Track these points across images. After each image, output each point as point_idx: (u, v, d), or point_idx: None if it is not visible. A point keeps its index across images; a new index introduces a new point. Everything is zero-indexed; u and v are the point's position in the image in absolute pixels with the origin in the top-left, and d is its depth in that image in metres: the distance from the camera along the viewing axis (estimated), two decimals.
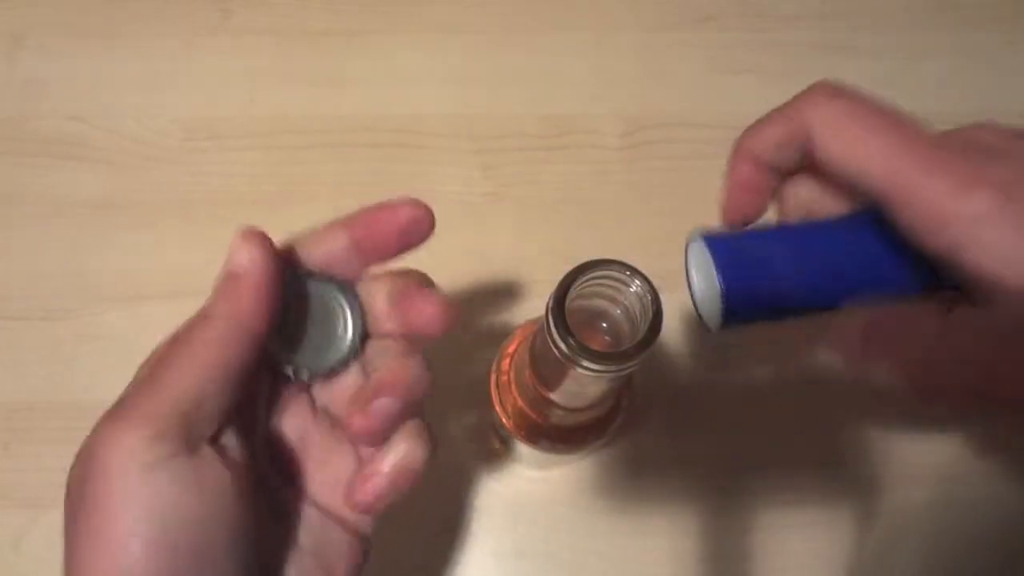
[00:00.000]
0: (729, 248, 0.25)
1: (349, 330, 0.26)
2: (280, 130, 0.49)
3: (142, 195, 0.47)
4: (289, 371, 0.26)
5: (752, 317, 0.25)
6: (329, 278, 0.26)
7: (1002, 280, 0.20)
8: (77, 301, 0.45)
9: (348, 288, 0.26)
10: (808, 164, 0.25)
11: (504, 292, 0.46)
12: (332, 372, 0.26)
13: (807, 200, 0.26)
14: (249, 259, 0.24)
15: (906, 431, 0.43)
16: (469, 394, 0.44)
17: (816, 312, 0.25)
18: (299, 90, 0.50)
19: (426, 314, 0.27)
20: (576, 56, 0.52)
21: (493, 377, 0.35)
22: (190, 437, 0.22)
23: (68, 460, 0.42)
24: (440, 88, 0.50)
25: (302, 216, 0.48)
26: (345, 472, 0.26)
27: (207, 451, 0.23)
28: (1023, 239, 0.20)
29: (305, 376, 0.26)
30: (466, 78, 0.51)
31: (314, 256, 0.27)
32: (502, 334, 0.37)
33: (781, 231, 0.26)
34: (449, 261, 0.47)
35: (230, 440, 0.24)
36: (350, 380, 0.27)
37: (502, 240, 0.47)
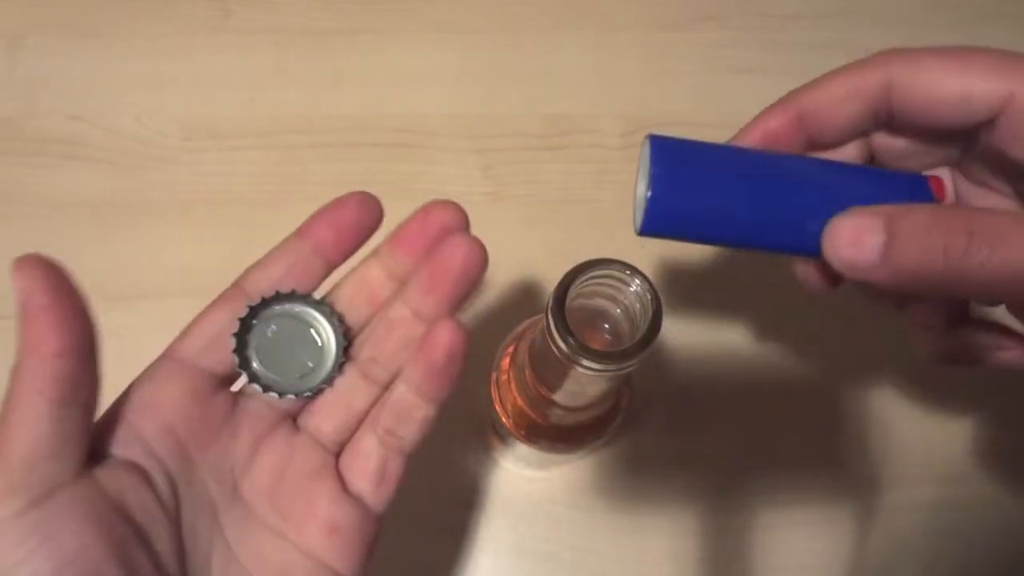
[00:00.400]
0: (676, 157, 0.23)
1: (331, 345, 0.26)
2: (280, 130, 0.49)
3: (142, 195, 0.47)
4: (272, 395, 0.25)
5: (676, 234, 0.24)
6: (301, 296, 0.26)
7: None
8: None
9: (321, 303, 0.26)
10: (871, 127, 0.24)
11: (504, 292, 0.46)
12: (318, 391, 0.26)
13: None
14: (25, 287, 0.22)
15: (906, 431, 0.43)
16: (469, 394, 0.44)
17: (743, 248, 0.24)
18: (299, 90, 0.50)
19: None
20: (576, 56, 0.52)
21: (493, 376, 0.35)
22: (39, 485, 0.20)
23: None
24: (440, 88, 0.50)
25: (302, 216, 0.48)
26: (320, 508, 0.25)
27: (63, 497, 0.20)
28: None
29: (290, 399, 0.25)
30: (466, 78, 0.51)
31: (277, 273, 0.26)
32: (502, 334, 0.37)
33: (743, 155, 0.24)
34: None
35: (115, 471, 0.22)
36: (331, 399, 0.26)
37: (502, 240, 0.47)
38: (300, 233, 0.26)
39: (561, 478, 0.42)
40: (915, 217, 0.20)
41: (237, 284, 0.27)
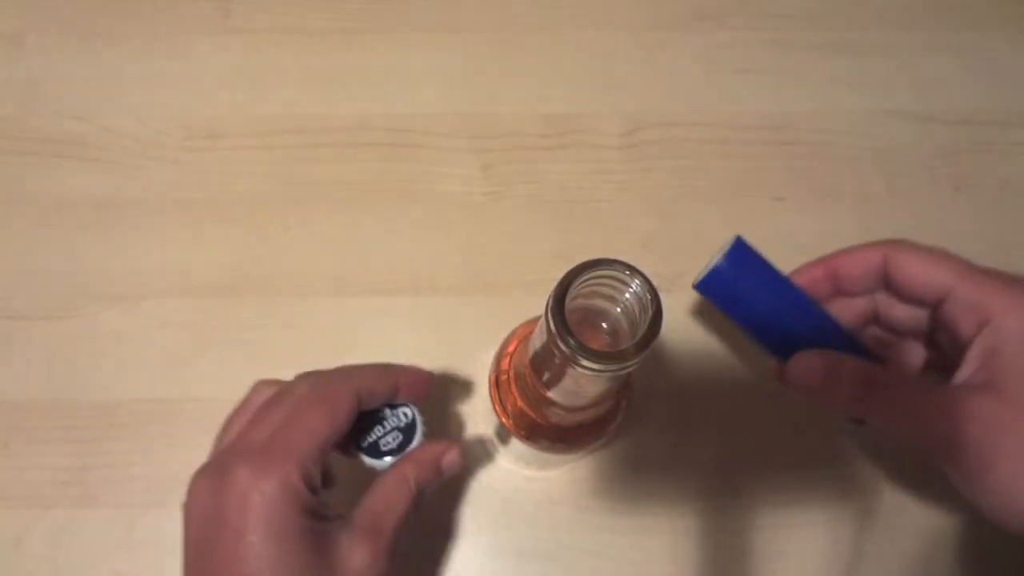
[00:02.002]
0: (744, 256, 0.33)
1: (412, 438, 0.34)
2: (280, 130, 0.49)
3: (142, 195, 0.47)
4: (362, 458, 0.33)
5: (716, 298, 0.34)
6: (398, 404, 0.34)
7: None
8: (77, 301, 0.45)
9: (410, 407, 0.34)
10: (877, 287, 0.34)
11: (504, 292, 0.46)
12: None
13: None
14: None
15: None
16: (469, 394, 0.44)
17: (755, 338, 0.34)
18: (299, 90, 0.50)
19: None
20: (576, 56, 0.52)
21: (493, 377, 0.35)
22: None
23: (68, 459, 0.43)
24: (440, 88, 0.50)
25: (301, 215, 0.49)
26: None
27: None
28: None
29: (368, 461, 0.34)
30: (466, 78, 0.51)
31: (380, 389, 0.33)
32: (502, 334, 0.37)
33: (781, 284, 0.34)
34: (449, 261, 0.47)
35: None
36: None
37: (502, 240, 0.47)
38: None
39: (561, 478, 0.42)
40: (843, 364, 0.32)
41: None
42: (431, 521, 0.42)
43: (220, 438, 0.33)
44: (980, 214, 0.49)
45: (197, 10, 0.52)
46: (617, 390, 0.33)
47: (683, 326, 0.44)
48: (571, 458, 0.41)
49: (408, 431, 0.34)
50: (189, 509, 0.30)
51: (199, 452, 0.42)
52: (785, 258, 0.47)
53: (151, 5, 0.52)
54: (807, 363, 0.32)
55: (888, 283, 0.33)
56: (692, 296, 0.46)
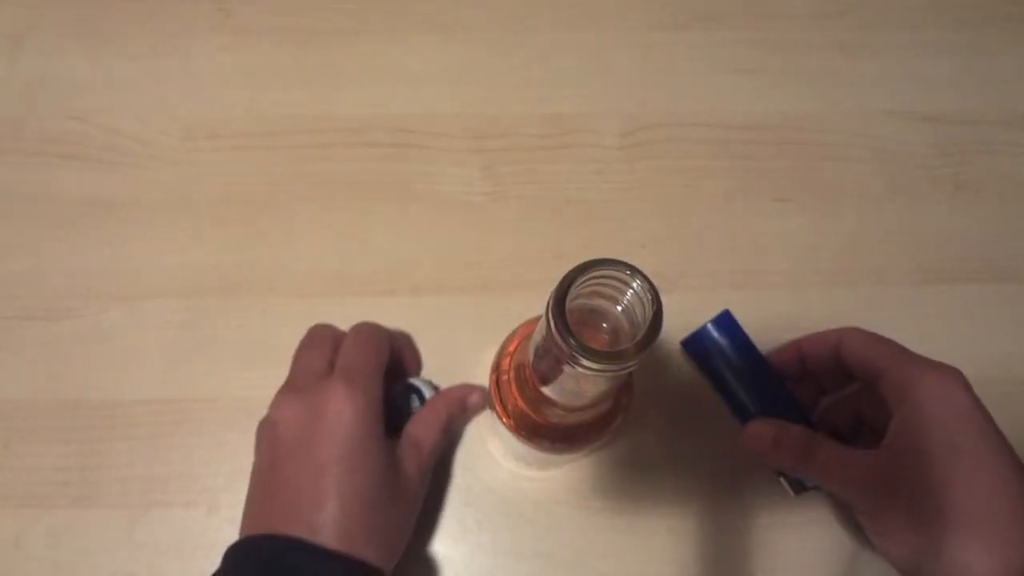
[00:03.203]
0: (728, 326, 0.43)
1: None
2: (280, 130, 0.49)
3: (142, 195, 0.47)
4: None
5: (698, 355, 0.43)
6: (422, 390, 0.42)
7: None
8: (77, 301, 0.45)
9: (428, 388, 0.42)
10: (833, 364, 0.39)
11: (504, 292, 0.46)
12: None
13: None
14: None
15: None
16: None
17: (724, 397, 0.42)
18: (299, 90, 0.50)
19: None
20: (576, 56, 0.52)
21: (493, 376, 0.35)
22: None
23: (68, 459, 0.43)
24: (440, 88, 0.50)
25: (301, 215, 0.49)
26: None
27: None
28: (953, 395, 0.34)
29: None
30: (466, 78, 0.51)
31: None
32: (502, 334, 0.37)
33: (753, 355, 0.42)
34: (449, 261, 0.47)
35: None
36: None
37: (502, 240, 0.47)
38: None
39: (561, 478, 0.42)
40: (787, 433, 0.38)
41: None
42: (431, 521, 0.42)
43: (293, 369, 0.39)
44: (980, 214, 0.49)
45: (197, 10, 0.52)
46: (618, 390, 0.33)
47: (683, 326, 0.44)
48: (571, 458, 0.41)
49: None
50: (279, 420, 0.35)
51: (199, 452, 0.43)
52: (785, 258, 0.47)
53: (151, 5, 0.52)
54: (759, 430, 0.39)
55: (839, 361, 0.38)
56: (692, 297, 0.46)
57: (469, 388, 0.41)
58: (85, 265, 0.45)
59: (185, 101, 0.49)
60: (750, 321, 0.43)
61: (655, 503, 0.42)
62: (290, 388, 0.37)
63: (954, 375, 0.34)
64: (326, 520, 0.33)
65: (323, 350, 0.39)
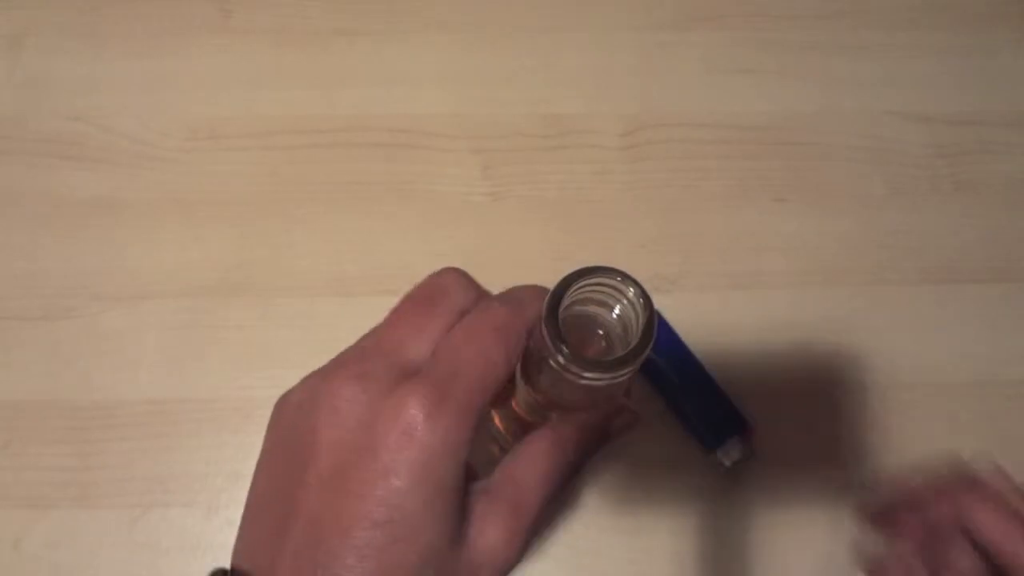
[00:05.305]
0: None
1: None
2: (280, 130, 0.49)
3: (142, 195, 0.47)
4: None
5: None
6: None
7: None
8: (77, 301, 0.45)
9: None
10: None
11: None
12: None
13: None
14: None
15: (906, 431, 0.43)
16: None
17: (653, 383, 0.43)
18: (299, 90, 0.50)
19: None
20: (576, 56, 0.52)
21: None
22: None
23: (68, 459, 0.43)
24: (440, 88, 0.50)
25: (301, 216, 0.49)
26: None
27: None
28: None
29: None
30: (466, 78, 0.51)
31: None
32: None
33: (679, 352, 0.43)
34: (449, 261, 0.47)
35: None
36: None
37: (502, 240, 0.47)
38: None
39: None
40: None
41: None
42: None
43: (379, 335, 0.27)
44: (980, 214, 0.49)
45: (197, 10, 0.52)
46: (618, 394, 0.33)
47: (683, 327, 0.44)
48: None
49: None
50: (322, 411, 0.24)
51: (199, 452, 0.43)
52: (785, 258, 0.47)
53: (151, 5, 0.52)
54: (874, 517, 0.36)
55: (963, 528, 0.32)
56: (691, 297, 0.46)
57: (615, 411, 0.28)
58: (85, 265, 0.45)
59: (185, 101, 0.49)
60: (750, 321, 0.43)
61: (655, 502, 0.42)
62: (356, 364, 0.25)
63: None
64: None
65: (435, 322, 0.26)
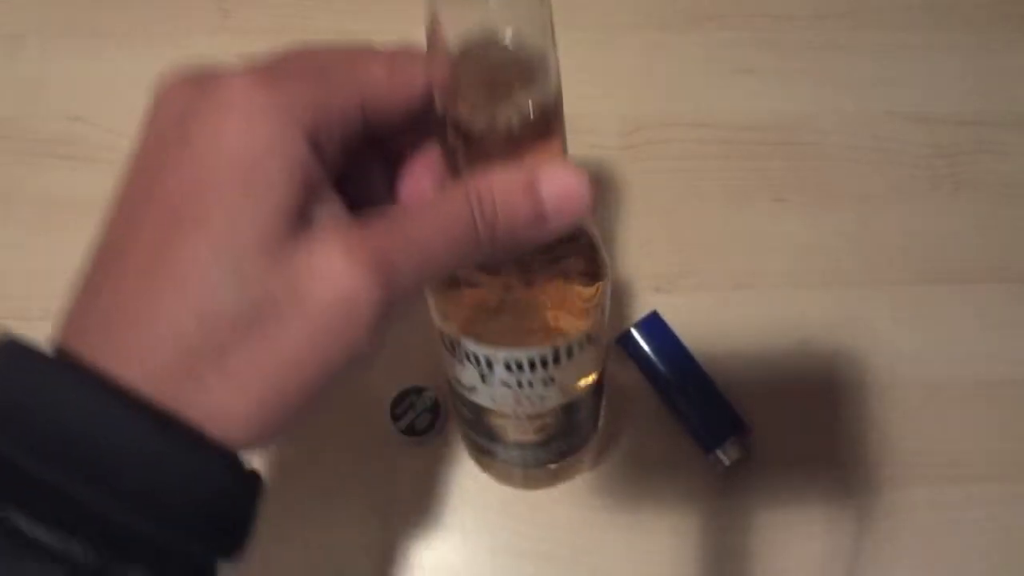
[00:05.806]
0: (656, 325, 0.43)
1: None
2: None
3: None
4: None
5: (629, 350, 0.43)
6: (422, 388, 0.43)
7: None
8: None
9: (432, 389, 0.43)
10: None
11: None
12: None
13: None
14: None
15: (906, 431, 0.43)
16: None
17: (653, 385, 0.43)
18: None
19: None
20: (576, 56, 0.52)
21: (431, 299, 0.29)
22: None
23: None
24: None
25: None
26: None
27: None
28: None
29: None
30: None
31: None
32: None
33: (680, 351, 0.43)
34: None
35: None
36: None
37: None
38: None
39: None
40: None
41: None
42: (429, 519, 0.42)
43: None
44: (980, 214, 0.49)
45: (196, 10, 0.52)
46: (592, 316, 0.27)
47: (682, 327, 0.44)
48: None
49: (435, 411, 0.41)
50: (157, 99, 0.22)
51: None
52: (785, 258, 0.47)
53: (151, 5, 0.52)
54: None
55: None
56: (692, 297, 0.46)
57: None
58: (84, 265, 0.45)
59: None
60: (749, 321, 0.43)
61: (655, 502, 0.42)
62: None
63: None
64: (144, 319, 0.19)
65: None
